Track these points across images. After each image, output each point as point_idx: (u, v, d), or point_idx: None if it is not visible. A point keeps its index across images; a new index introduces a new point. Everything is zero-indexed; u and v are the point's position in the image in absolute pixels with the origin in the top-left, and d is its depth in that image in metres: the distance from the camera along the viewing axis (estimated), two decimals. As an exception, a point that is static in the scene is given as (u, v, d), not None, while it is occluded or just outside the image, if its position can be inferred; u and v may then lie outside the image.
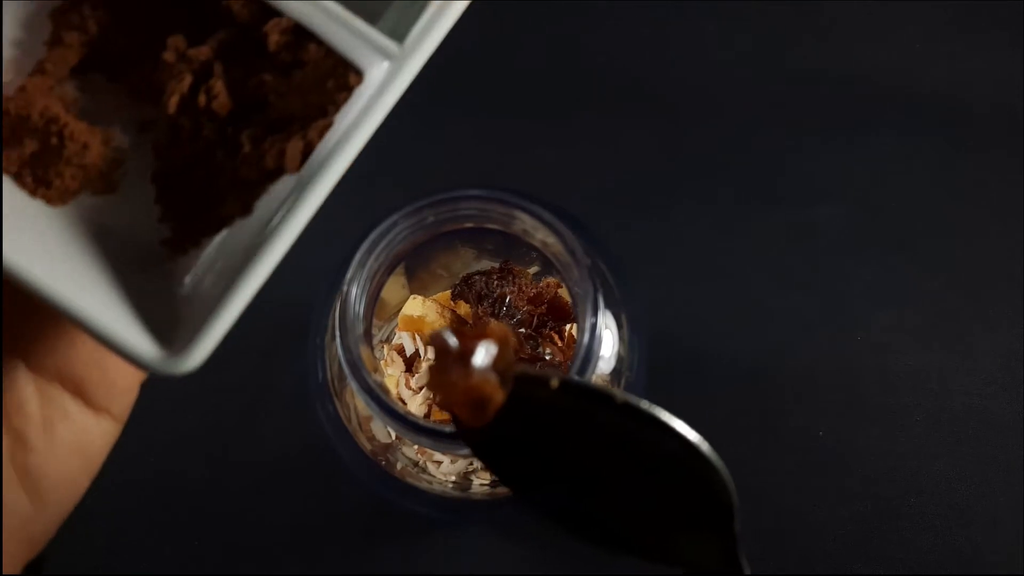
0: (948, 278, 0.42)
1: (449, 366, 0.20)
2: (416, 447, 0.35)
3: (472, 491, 0.35)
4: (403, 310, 0.36)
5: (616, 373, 0.34)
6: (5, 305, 0.19)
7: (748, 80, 0.46)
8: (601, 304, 0.29)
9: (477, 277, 0.36)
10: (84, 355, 0.19)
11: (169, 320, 0.18)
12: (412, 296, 0.36)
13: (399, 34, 0.19)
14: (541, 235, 0.31)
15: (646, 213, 0.43)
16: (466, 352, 0.20)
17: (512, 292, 0.36)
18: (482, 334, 0.20)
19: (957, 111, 0.45)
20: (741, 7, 0.46)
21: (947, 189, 0.44)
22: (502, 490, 0.35)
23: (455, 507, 0.35)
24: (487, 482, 0.35)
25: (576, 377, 0.20)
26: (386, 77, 0.19)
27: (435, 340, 0.20)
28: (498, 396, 0.19)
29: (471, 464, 0.35)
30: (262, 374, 0.39)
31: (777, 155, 0.45)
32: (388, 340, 0.38)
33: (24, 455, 0.18)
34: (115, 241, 0.20)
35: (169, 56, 0.20)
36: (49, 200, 0.20)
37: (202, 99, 0.20)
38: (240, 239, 0.20)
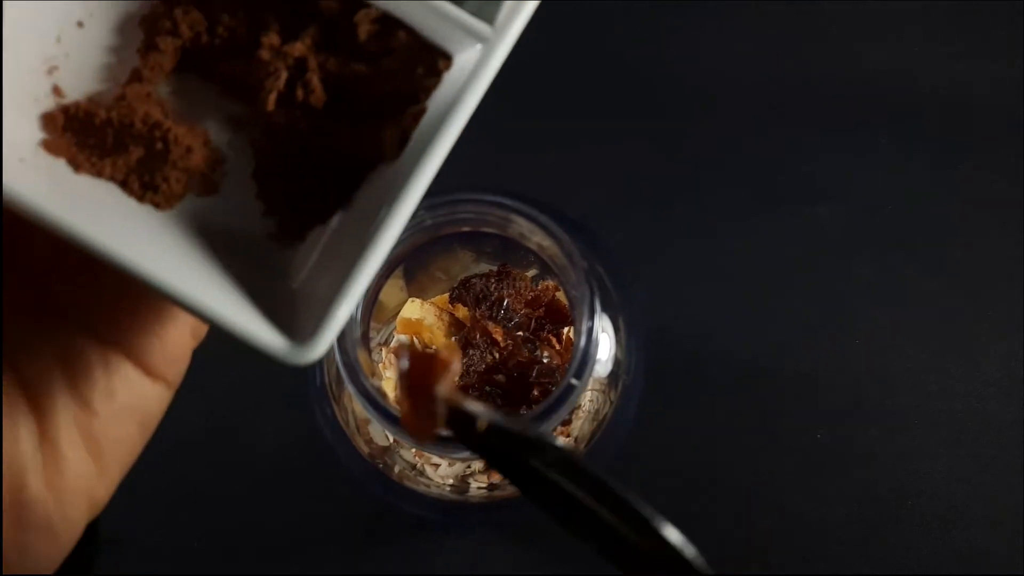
0: (948, 279, 0.42)
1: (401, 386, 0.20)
2: (414, 450, 0.35)
3: (470, 494, 0.35)
4: (401, 313, 0.36)
5: (613, 376, 0.34)
6: (74, 281, 0.20)
7: (747, 81, 0.45)
8: (598, 307, 0.29)
9: (475, 280, 0.36)
10: (145, 326, 0.20)
11: (286, 312, 0.19)
12: (410, 299, 0.36)
13: (485, 15, 0.19)
14: (538, 238, 0.31)
15: (645, 214, 0.43)
16: (406, 376, 0.20)
17: (510, 295, 0.36)
18: (431, 359, 0.20)
19: (957, 111, 0.45)
20: (741, 8, 0.46)
21: (947, 190, 0.44)
22: (499, 493, 0.35)
23: (453, 510, 0.35)
24: (484, 485, 0.35)
25: (505, 423, 0.19)
26: (479, 59, 0.19)
27: (396, 356, 0.21)
28: (433, 423, 0.19)
29: (468, 467, 0.35)
30: (261, 377, 0.39)
31: (777, 156, 0.44)
32: (386, 343, 0.38)
33: (89, 420, 0.19)
34: (221, 239, 0.21)
35: (264, 54, 0.20)
36: (157, 205, 0.20)
37: (299, 94, 0.20)
38: (347, 230, 0.20)
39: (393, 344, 0.37)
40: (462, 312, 0.37)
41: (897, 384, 0.40)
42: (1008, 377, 0.40)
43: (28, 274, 0.19)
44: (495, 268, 0.36)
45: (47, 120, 0.19)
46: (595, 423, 0.35)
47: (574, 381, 0.28)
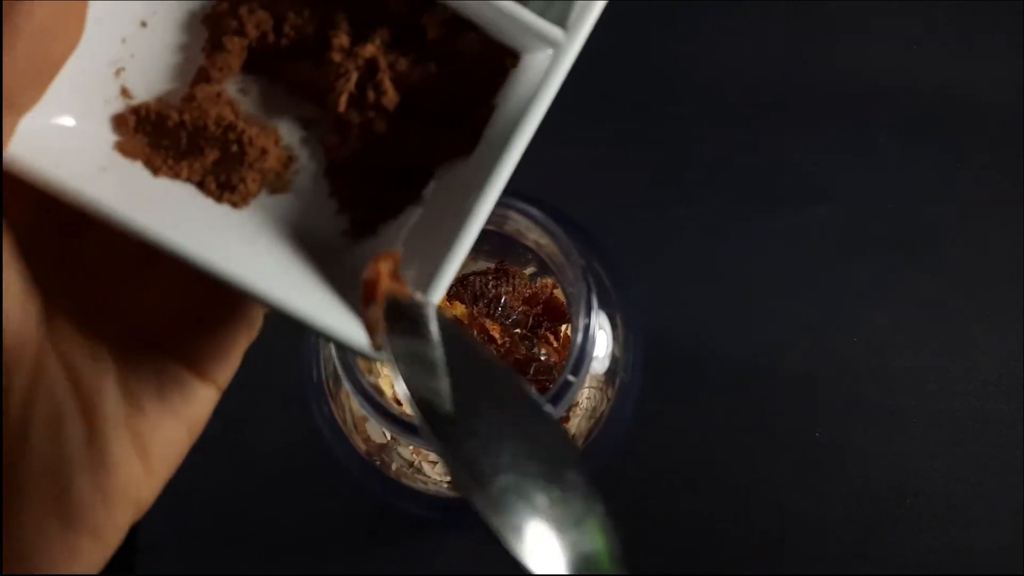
0: (947, 279, 0.42)
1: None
2: (411, 447, 0.35)
3: (468, 491, 0.35)
4: (399, 310, 0.36)
5: (611, 374, 0.34)
6: (135, 283, 0.20)
7: (747, 81, 0.45)
8: (595, 305, 0.29)
9: (473, 277, 0.36)
10: (200, 329, 0.21)
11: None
12: (408, 296, 0.36)
13: (553, 15, 0.19)
14: (535, 235, 0.31)
15: (644, 212, 0.43)
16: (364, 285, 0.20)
17: (508, 292, 0.36)
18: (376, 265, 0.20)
19: (956, 112, 0.45)
20: (740, 9, 0.46)
21: (947, 190, 0.44)
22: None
23: (450, 507, 0.35)
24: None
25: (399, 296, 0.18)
26: (551, 62, 0.19)
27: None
28: (379, 319, 0.19)
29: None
30: (258, 375, 0.39)
31: (777, 155, 0.44)
32: (384, 340, 0.38)
33: (139, 422, 0.20)
34: (295, 236, 0.21)
35: (335, 55, 0.20)
36: (235, 204, 0.20)
37: (371, 95, 0.20)
38: (426, 227, 0.20)
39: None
40: (460, 309, 0.37)
41: (896, 383, 0.40)
42: (1007, 377, 0.40)
43: (84, 276, 0.19)
44: (493, 265, 0.36)
45: (118, 122, 0.19)
46: (592, 420, 0.35)
47: (571, 377, 0.28)
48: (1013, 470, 0.39)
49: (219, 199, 0.20)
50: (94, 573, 0.19)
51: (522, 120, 0.19)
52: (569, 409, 0.35)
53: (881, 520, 0.39)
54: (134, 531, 0.21)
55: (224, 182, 0.20)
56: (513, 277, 0.36)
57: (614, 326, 0.33)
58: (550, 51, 0.19)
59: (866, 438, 0.40)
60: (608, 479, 0.39)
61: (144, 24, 0.20)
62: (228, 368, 0.21)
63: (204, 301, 0.20)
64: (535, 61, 0.20)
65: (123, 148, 0.19)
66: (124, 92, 0.20)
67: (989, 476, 0.39)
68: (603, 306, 0.33)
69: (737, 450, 0.40)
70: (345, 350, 0.20)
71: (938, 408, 0.40)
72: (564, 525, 0.17)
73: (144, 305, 0.20)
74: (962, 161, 0.44)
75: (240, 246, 0.19)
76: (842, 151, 0.45)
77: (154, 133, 0.19)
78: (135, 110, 0.19)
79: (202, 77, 0.20)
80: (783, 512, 0.39)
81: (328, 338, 0.18)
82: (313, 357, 0.33)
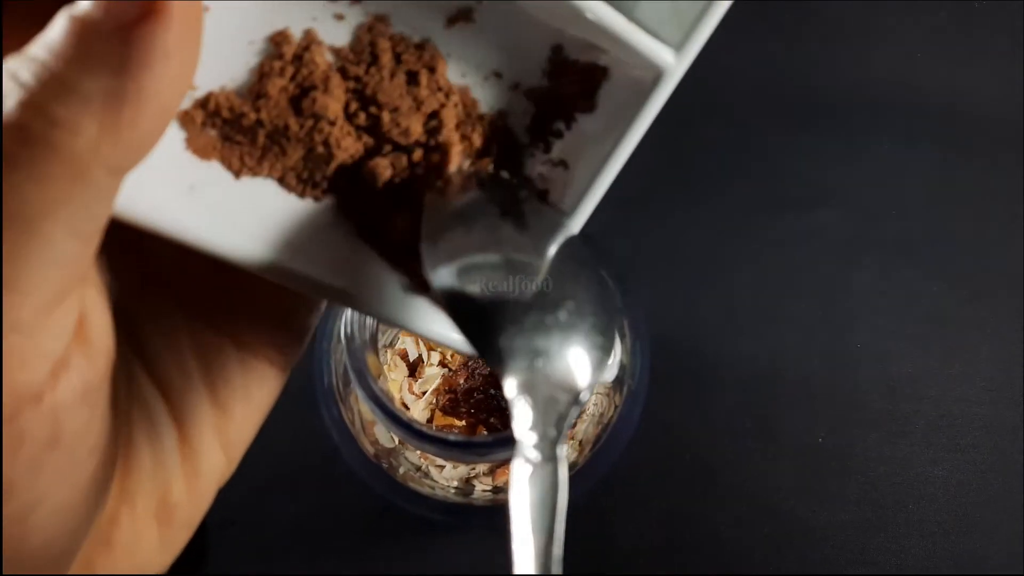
0: (949, 284, 0.42)
1: None
2: (419, 452, 0.35)
3: (474, 496, 0.35)
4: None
5: (619, 381, 0.34)
6: (216, 288, 0.20)
7: (751, 86, 0.46)
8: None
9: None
10: (279, 325, 0.21)
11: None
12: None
13: (665, 34, 0.18)
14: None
15: (647, 219, 0.43)
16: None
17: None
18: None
19: (958, 117, 0.45)
20: (743, 12, 0.46)
21: (947, 195, 0.44)
22: (504, 496, 0.35)
23: (457, 512, 0.35)
24: (489, 488, 0.36)
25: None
26: (655, 82, 0.18)
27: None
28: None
29: (473, 470, 0.36)
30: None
31: (780, 161, 0.45)
32: (392, 345, 0.38)
33: (226, 423, 0.21)
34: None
35: (424, 91, 0.19)
36: (316, 198, 0.20)
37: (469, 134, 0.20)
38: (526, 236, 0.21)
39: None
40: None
41: (898, 388, 0.41)
42: (1008, 382, 0.41)
43: (162, 285, 0.20)
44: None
45: (185, 119, 0.18)
46: (599, 427, 0.35)
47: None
48: (1014, 475, 0.39)
49: (301, 195, 0.19)
50: (176, 556, 0.20)
51: (616, 145, 0.19)
52: (578, 416, 0.35)
53: (883, 525, 0.39)
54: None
55: (307, 179, 0.19)
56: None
57: (622, 334, 0.33)
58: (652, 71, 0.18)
59: (868, 443, 0.40)
60: (613, 483, 0.39)
61: (206, 8, 0.18)
62: (299, 352, 0.22)
63: (279, 296, 0.20)
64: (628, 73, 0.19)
65: (195, 147, 0.18)
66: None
67: (990, 481, 0.39)
68: (612, 313, 0.33)
69: (740, 454, 0.40)
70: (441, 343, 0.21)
71: (940, 413, 0.40)
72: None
73: (224, 308, 0.20)
74: (965, 167, 0.44)
75: (327, 248, 0.19)
76: (845, 156, 0.45)
77: (225, 127, 0.18)
78: (202, 103, 0.18)
79: (272, 72, 0.18)
80: (785, 516, 0.39)
81: (436, 343, 0.19)
82: (324, 361, 0.33)
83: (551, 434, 0.17)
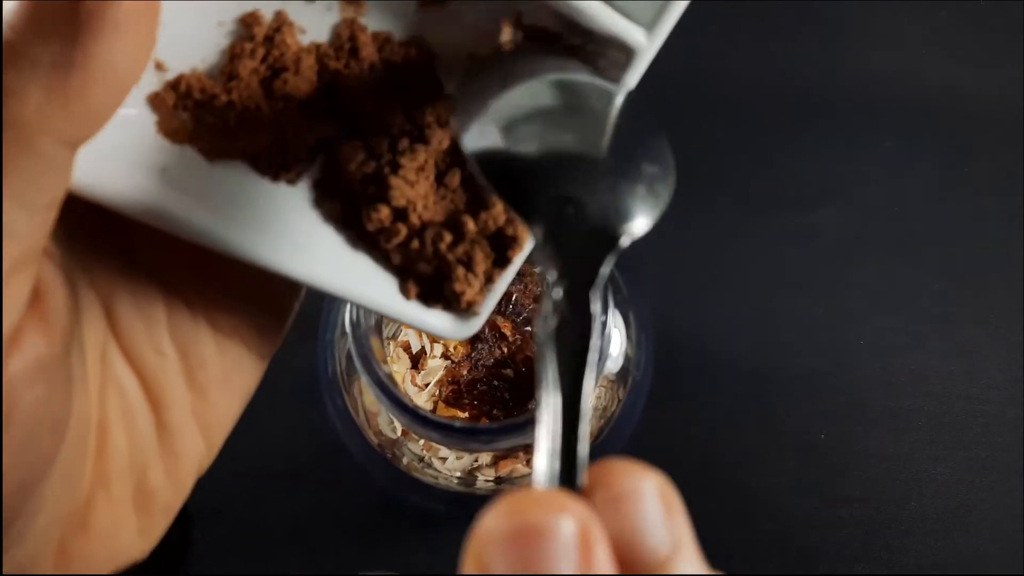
0: (950, 282, 0.42)
1: None
2: (422, 442, 0.35)
3: (477, 487, 0.35)
4: (411, 306, 0.36)
5: (623, 373, 0.34)
6: (194, 271, 0.20)
7: (750, 85, 0.46)
8: (611, 302, 0.29)
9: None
10: (259, 310, 0.21)
11: None
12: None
13: (634, 15, 0.18)
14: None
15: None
16: None
17: (519, 290, 0.36)
18: None
19: (959, 116, 0.45)
20: (743, 12, 0.47)
21: (949, 193, 0.44)
22: (507, 487, 0.35)
23: (460, 502, 0.35)
24: (491, 479, 0.36)
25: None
26: (627, 62, 0.18)
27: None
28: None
29: (476, 460, 0.36)
30: (273, 368, 0.39)
31: (780, 159, 0.45)
32: (394, 337, 0.38)
33: (204, 407, 0.20)
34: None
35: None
36: (290, 181, 0.19)
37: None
38: None
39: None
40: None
41: (900, 386, 0.41)
42: (1010, 379, 0.41)
43: (141, 269, 0.20)
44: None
45: (156, 101, 0.18)
46: (603, 420, 0.35)
47: (587, 375, 0.28)
48: (1016, 473, 0.39)
49: (275, 178, 0.19)
50: (156, 543, 0.20)
51: None
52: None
53: (885, 522, 0.39)
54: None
55: (279, 162, 0.19)
56: (524, 275, 0.36)
57: (627, 324, 0.34)
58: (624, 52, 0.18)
59: (870, 440, 0.40)
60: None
61: None
62: (279, 337, 0.22)
63: (257, 279, 0.20)
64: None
65: (166, 130, 0.18)
66: (158, 65, 0.17)
67: (993, 479, 0.39)
68: (617, 304, 0.33)
69: (741, 450, 0.40)
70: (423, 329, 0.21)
71: (942, 410, 0.40)
72: None
73: (202, 291, 0.20)
74: (966, 164, 0.44)
75: (299, 233, 0.19)
76: (848, 154, 0.45)
77: (197, 110, 0.18)
78: (173, 85, 0.18)
79: (243, 53, 0.18)
80: (787, 513, 0.39)
81: (415, 328, 0.19)
82: (328, 351, 0.33)
83: (582, 284, 0.15)
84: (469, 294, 0.21)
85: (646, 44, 0.18)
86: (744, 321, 0.42)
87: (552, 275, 0.16)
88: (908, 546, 0.39)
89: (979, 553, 0.38)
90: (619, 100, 0.19)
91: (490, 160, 0.17)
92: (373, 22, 0.19)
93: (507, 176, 0.17)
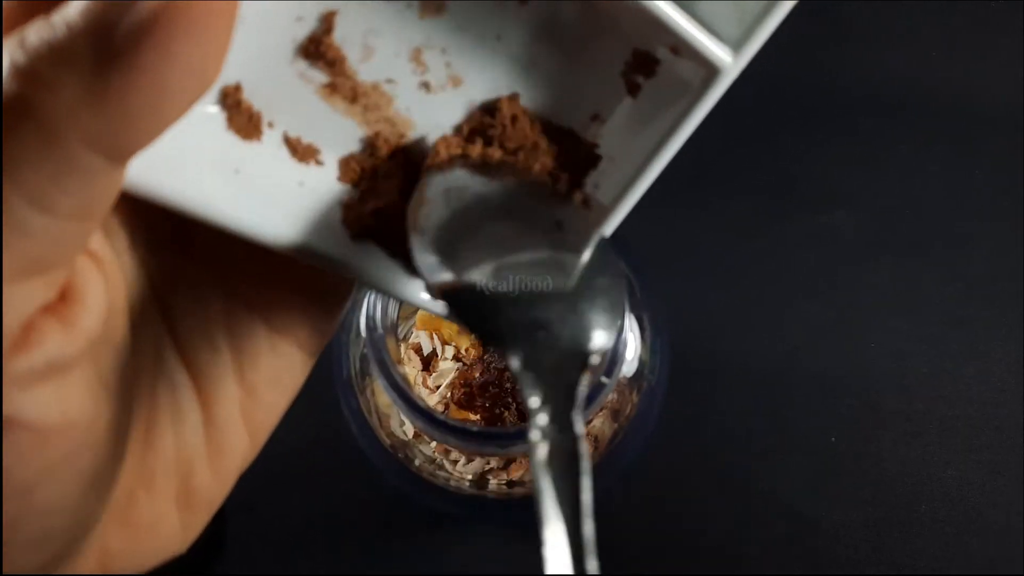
0: (963, 285, 0.42)
1: None
2: (434, 444, 0.35)
3: (489, 490, 0.35)
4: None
5: (637, 376, 0.34)
6: (253, 268, 0.20)
7: (764, 87, 0.46)
8: (628, 306, 0.29)
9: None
10: (311, 307, 0.21)
11: None
12: (432, 295, 0.36)
13: (722, 30, 0.17)
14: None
15: (665, 218, 0.43)
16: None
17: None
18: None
19: (973, 117, 0.45)
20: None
21: (962, 196, 0.44)
22: (519, 490, 0.35)
23: (471, 504, 0.35)
24: (504, 482, 0.35)
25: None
26: (706, 80, 0.17)
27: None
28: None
29: (488, 464, 0.35)
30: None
31: (794, 161, 0.45)
32: (406, 339, 0.38)
33: (252, 405, 0.20)
34: None
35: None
36: (321, 163, 0.19)
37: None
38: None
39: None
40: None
41: (911, 389, 0.41)
42: (1022, 383, 0.41)
43: (196, 265, 0.19)
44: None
45: (224, 96, 0.17)
46: (616, 423, 0.35)
47: (604, 379, 0.28)
48: (1028, 477, 0.39)
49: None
50: (196, 537, 0.20)
51: (659, 144, 0.19)
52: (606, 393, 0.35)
53: (896, 525, 0.39)
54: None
55: (306, 148, 0.19)
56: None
57: (642, 328, 0.33)
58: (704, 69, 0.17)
59: (881, 443, 0.40)
60: (630, 480, 0.39)
61: None
62: (329, 336, 0.22)
63: (313, 278, 0.20)
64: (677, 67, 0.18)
65: (237, 126, 0.17)
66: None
67: (1003, 482, 0.39)
68: (631, 308, 0.33)
69: (753, 453, 0.40)
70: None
71: (954, 414, 0.40)
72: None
73: (260, 289, 0.20)
74: (981, 167, 0.44)
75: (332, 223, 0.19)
76: (860, 156, 0.45)
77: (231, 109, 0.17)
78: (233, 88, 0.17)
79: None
80: (798, 515, 0.39)
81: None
82: (343, 353, 0.33)
83: (564, 406, 0.16)
84: None
85: (731, 64, 0.17)
86: (757, 323, 0.42)
87: (535, 401, 0.16)
88: (919, 549, 0.39)
89: (990, 556, 0.38)
90: (559, 215, 0.19)
91: (458, 295, 0.17)
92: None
93: (478, 310, 0.17)
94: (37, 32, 0.13)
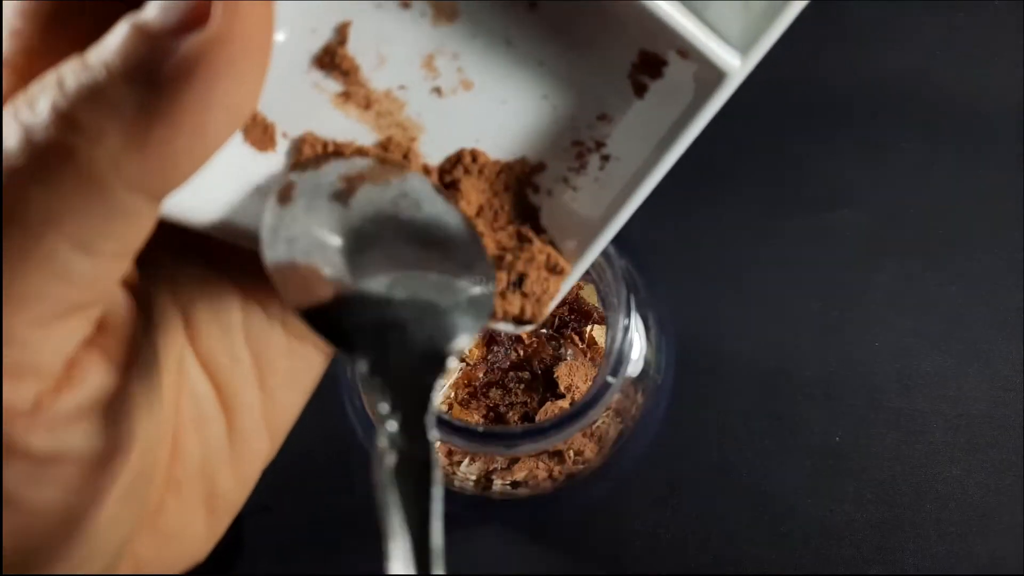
0: (968, 284, 0.42)
1: None
2: (438, 445, 0.35)
3: (493, 490, 0.35)
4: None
5: (643, 375, 0.34)
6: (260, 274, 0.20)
7: (769, 86, 0.45)
8: (634, 305, 0.29)
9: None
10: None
11: None
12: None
13: (729, 34, 0.17)
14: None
15: (669, 217, 0.43)
16: None
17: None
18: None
19: (976, 117, 0.45)
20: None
21: (967, 195, 0.44)
22: (523, 491, 0.35)
23: (476, 505, 0.35)
24: (508, 483, 0.35)
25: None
26: (713, 82, 0.17)
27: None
28: None
29: (492, 464, 0.35)
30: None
31: (798, 161, 0.45)
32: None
33: (273, 409, 0.20)
34: None
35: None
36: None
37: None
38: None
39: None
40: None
41: (916, 388, 0.41)
42: (1026, 383, 0.41)
43: (215, 272, 0.19)
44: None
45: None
46: (621, 423, 0.35)
47: (610, 379, 0.28)
48: (1032, 476, 0.39)
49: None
50: (218, 541, 0.20)
51: (666, 146, 0.19)
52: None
53: (900, 524, 0.39)
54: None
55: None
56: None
57: (647, 327, 0.33)
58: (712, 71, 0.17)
59: (886, 442, 0.40)
60: (633, 480, 0.39)
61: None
62: None
63: None
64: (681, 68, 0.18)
65: (253, 139, 0.17)
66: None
67: (1008, 481, 0.39)
68: (636, 307, 0.33)
69: (757, 452, 0.40)
70: None
71: (958, 413, 0.40)
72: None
73: (273, 293, 0.19)
74: (985, 166, 0.44)
75: None
76: (864, 156, 0.45)
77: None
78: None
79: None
80: (802, 515, 0.39)
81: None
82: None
83: (416, 412, 0.15)
84: (529, 310, 0.21)
85: (738, 68, 0.17)
86: (761, 323, 0.42)
87: (383, 408, 0.15)
88: (924, 548, 0.38)
89: (995, 555, 0.38)
90: (428, 208, 0.18)
91: (301, 283, 0.16)
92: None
93: (320, 307, 0.16)
94: (75, 75, 0.13)
